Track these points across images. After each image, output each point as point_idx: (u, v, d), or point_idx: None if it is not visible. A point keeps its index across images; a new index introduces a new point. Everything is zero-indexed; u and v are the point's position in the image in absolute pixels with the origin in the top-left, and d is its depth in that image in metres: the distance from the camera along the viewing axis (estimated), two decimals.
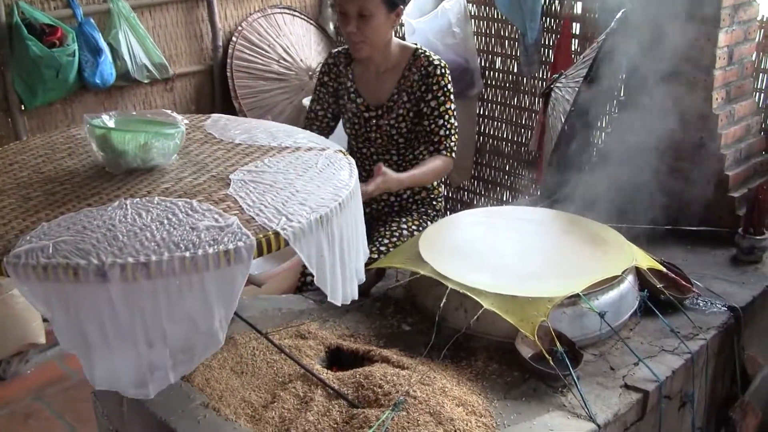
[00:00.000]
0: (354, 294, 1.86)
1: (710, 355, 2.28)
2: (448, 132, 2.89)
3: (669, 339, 2.21)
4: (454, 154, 2.91)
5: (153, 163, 1.90)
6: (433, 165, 2.85)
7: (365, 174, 2.93)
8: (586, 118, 3.13)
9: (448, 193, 4.97)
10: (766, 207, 2.69)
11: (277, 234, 1.56)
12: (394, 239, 2.95)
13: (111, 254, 1.44)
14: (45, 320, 3.87)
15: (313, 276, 2.83)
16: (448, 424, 1.78)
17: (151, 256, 1.44)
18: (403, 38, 4.15)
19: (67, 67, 3.62)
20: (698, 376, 2.22)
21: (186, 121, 2.05)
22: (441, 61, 2.92)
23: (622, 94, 3.25)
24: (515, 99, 4.39)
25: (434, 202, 3.18)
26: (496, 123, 4.55)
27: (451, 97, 2.92)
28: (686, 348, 2.17)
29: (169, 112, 2.07)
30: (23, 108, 3.73)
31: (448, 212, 4.73)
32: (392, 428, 1.75)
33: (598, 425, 1.86)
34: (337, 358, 2.18)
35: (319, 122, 3.11)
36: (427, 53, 2.94)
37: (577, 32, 3.92)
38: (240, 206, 1.67)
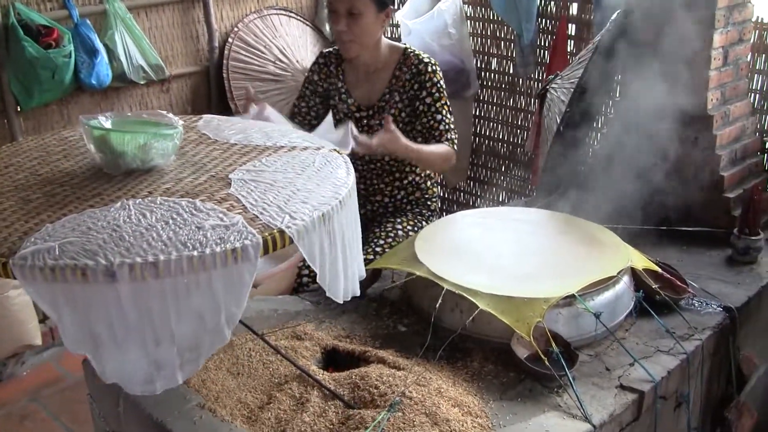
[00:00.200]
0: (355, 290, 1.89)
1: (706, 355, 2.28)
2: (447, 126, 2.91)
3: (664, 339, 2.22)
4: (455, 147, 2.92)
5: (152, 164, 1.91)
6: (439, 148, 2.87)
7: (357, 175, 2.93)
8: (581, 118, 3.13)
9: (443, 193, 4.97)
10: (761, 208, 2.70)
11: (282, 232, 1.58)
12: (390, 240, 2.95)
13: (119, 254, 1.45)
14: (41, 322, 3.88)
15: (309, 277, 2.88)
16: (444, 425, 1.78)
17: (159, 255, 1.45)
18: (398, 39, 4.15)
19: (63, 68, 3.61)
20: (694, 376, 2.23)
21: (181, 122, 2.06)
22: (431, 59, 2.93)
23: (617, 95, 3.25)
24: (511, 100, 4.40)
25: (429, 203, 3.19)
26: (491, 124, 4.56)
27: (445, 93, 2.93)
28: (682, 348, 2.18)
29: (164, 112, 2.07)
30: (19, 109, 3.72)
31: (444, 213, 4.72)
32: (388, 429, 1.76)
33: (594, 426, 1.86)
34: (333, 359, 2.18)
35: (301, 118, 3.11)
36: (417, 52, 2.95)
37: (573, 33, 3.92)
38: (243, 205, 1.68)
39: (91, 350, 1.50)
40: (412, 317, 2.38)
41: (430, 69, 2.89)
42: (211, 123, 2.31)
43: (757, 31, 3.13)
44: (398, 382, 1.91)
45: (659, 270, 2.40)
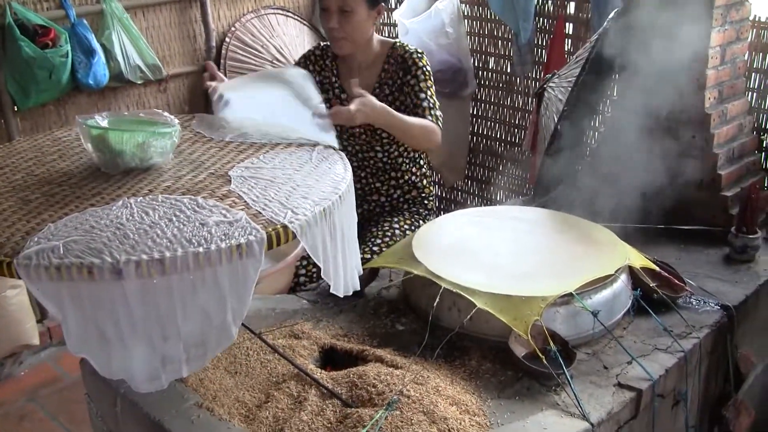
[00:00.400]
0: (355, 285, 1.92)
1: (703, 353, 2.28)
2: (430, 104, 2.85)
3: (662, 338, 2.22)
4: (440, 124, 2.84)
5: (150, 163, 1.92)
6: (421, 120, 2.79)
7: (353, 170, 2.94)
8: (579, 117, 3.13)
9: (441, 192, 4.98)
10: (759, 206, 2.70)
11: (285, 227, 1.59)
12: (387, 239, 2.95)
13: (124, 252, 1.45)
14: (39, 321, 3.88)
15: (306, 276, 2.88)
16: (442, 423, 1.78)
17: (164, 252, 1.46)
18: (396, 38, 4.15)
19: (60, 68, 3.61)
20: (691, 374, 2.23)
21: (176, 121, 2.07)
22: (418, 49, 2.93)
23: (614, 94, 3.25)
24: (508, 99, 4.40)
25: (426, 202, 3.19)
26: (489, 123, 4.56)
27: (431, 78, 2.90)
28: (679, 347, 2.18)
29: (161, 112, 2.08)
30: (16, 109, 3.72)
31: (442, 212, 4.71)
32: (386, 427, 1.75)
33: (592, 424, 1.86)
34: (331, 358, 2.18)
35: None
36: (404, 45, 2.94)
37: (570, 32, 3.92)
38: (245, 201, 1.71)
39: (96, 349, 1.51)
40: (409, 316, 2.37)
41: (415, 56, 2.89)
42: (204, 121, 2.33)
43: (754, 30, 3.14)
44: (396, 381, 1.91)
45: (657, 268, 2.40)
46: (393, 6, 4.68)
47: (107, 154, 1.89)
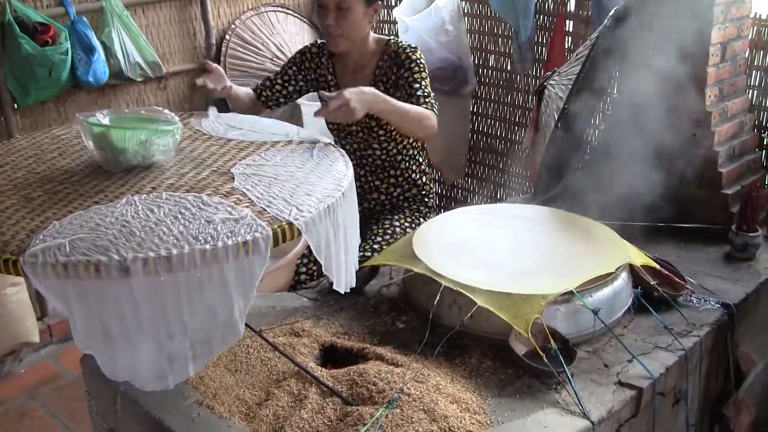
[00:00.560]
0: (353, 282, 1.92)
1: (704, 352, 2.28)
2: (425, 93, 2.83)
3: (663, 336, 2.22)
4: (435, 112, 2.81)
5: (152, 160, 1.92)
6: (416, 107, 2.76)
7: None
8: (579, 115, 3.13)
9: (441, 190, 4.97)
10: (759, 204, 2.70)
11: (290, 224, 1.60)
12: (387, 237, 2.95)
13: (131, 249, 1.46)
14: (39, 319, 3.88)
15: (307, 274, 2.88)
16: (442, 422, 1.78)
17: (171, 249, 1.46)
18: (396, 35, 4.14)
19: (59, 66, 3.60)
20: (692, 372, 2.23)
21: (177, 119, 2.07)
22: (411, 45, 2.92)
23: (615, 92, 3.25)
24: (509, 97, 4.40)
25: (426, 199, 3.18)
26: (489, 121, 4.56)
27: (425, 71, 2.88)
28: (680, 345, 2.18)
29: (161, 109, 2.08)
30: (16, 106, 3.72)
31: (442, 210, 4.72)
32: (386, 425, 1.75)
33: (592, 422, 1.86)
34: (331, 356, 2.18)
35: (270, 93, 3.06)
36: (399, 41, 2.93)
37: (571, 30, 3.92)
38: (249, 199, 1.71)
39: (102, 346, 1.51)
40: (410, 314, 2.37)
41: (409, 51, 2.87)
42: (203, 119, 2.35)
43: (755, 28, 3.13)
44: (396, 379, 1.91)
45: (657, 266, 2.40)
46: (393, 3, 4.68)
47: (109, 152, 1.89)
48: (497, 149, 4.57)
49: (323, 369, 2.04)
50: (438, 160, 4.73)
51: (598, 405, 1.93)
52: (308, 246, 2.93)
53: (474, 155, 4.71)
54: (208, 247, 1.47)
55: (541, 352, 1.97)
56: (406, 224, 3.05)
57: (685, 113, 2.80)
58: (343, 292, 1.90)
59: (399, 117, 2.69)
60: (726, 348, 2.41)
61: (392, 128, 2.93)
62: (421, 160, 3.16)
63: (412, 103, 2.80)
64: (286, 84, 3.03)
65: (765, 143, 3.21)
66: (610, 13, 3.00)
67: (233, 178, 1.84)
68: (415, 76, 2.84)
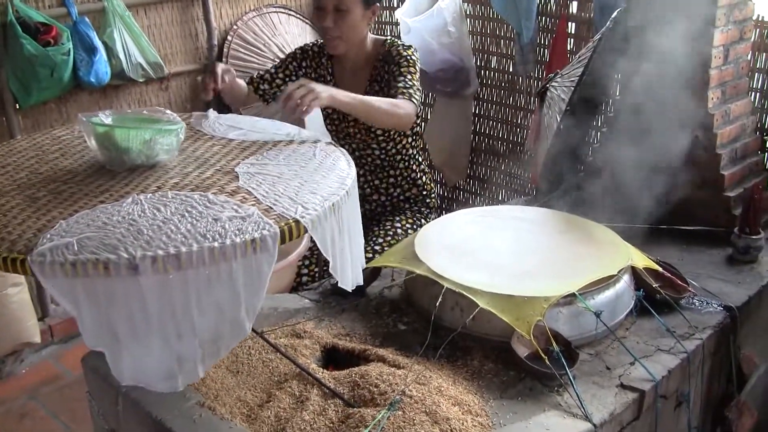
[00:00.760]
0: (359, 279, 1.94)
1: (706, 354, 2.27)
2: (406, 85, 2.75)
3: (665, 338, 2.21)
4: (413, 100, 2.71)
5: (156, 160, 1.92)
6: (385, 99, 2.70)
7: None
8: (581, 117, 3.13)
9: (443, 192, 4.97)
10: (762, 207, 2.70)
11: (297, 222, 1.61)
12: (389, 238, 2.95)
13: (140, 248, 1.46)
14: (40, 320, 3.88)
15: (308, 276, 2.88)
16: (444, 424, 1.77)
17: (180, 247, 1.47)
18: (398, 37, 4.14)
19: (61, 66, 3.60)
20: (694, 375, 2.22)
21: (179, 119, 2.07)
22: (406, 44, 2.89)
23: (617, 94, 3.25)
24: (511, 98, 4.39)
25: (427, 200, 3.18)
26: (491, 122, 4.55)
27: (414, 66, 2.83)
28: (682, 347, 2.17)
29: (163, 109, 2.09)
30: (17, 107, 3.72)
31: (444, 212, 4.72)
32: (388, 427, 1.75)
33: (594, 425, 1.86)
34: (333, 358, 2.18)
35: (268, 86, 3.01)
36: (395, 41, 2.92)
37: (573, 32, 3.91)
38: (255, 197, 1.72)
39: (110, 345, 1.51)
40: (412, 316, 2.37)
41: (401, 48, 2.86)
42: (203, 119, 2.36)
43: (757, 30, 3.13)
44: (398, 381, 1.91)
45: (660, 269, 2.39)
46: (395, 5, 4.67)
47: (113, 152, 1.89)
48: (499, 151, 4.56)
49: (325, 370, 2.04)
50: (439, 162, 4.73)
51: (600, 407, 1.92)
52: (310, 248, 2.95)
53: (476, 157, 4.71)
54: (216, 244, 1.48)
55: (543, 355, 1.97)
56: (408, 225, 3.05)
57: (688, 116, 2.79)
58: (349, 290, 1.92)
59: (364, 108, 2.59)
60: (728, 351, 2.41)
61: (391, 129, 2.92)
62: (420, 159, 3.15)
63: (391, 94, 2.76)
64: (287, 79, 3.00)
65: (767, 146, 3.21)
66: (613, 15, 3.00)
67: (237, 177, 1.85)
68: (402, 69, 2.81)
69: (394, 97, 2.72)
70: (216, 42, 4.45)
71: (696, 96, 2.81)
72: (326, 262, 2.87)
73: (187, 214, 1.60)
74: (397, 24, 4.49)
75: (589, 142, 3.51)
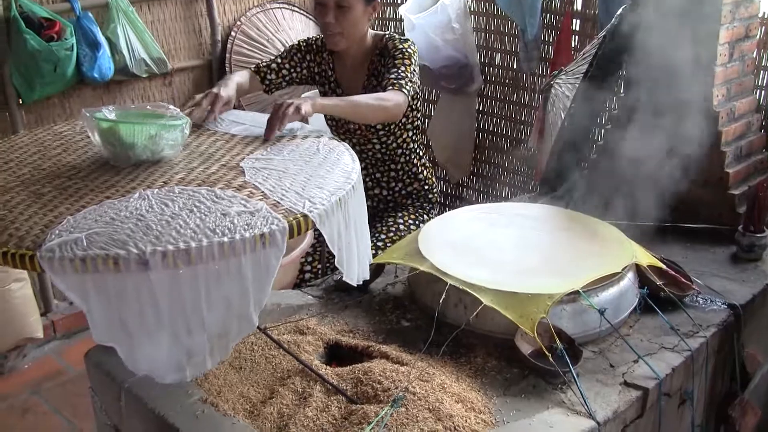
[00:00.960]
0: (366, 274, 1.94)
1: (710, 352, 2.27)
2: (398, 76, 2.72)
3: (669, 336, 2.21)
4: (404, 90, 2.67)
5: (161, 155, 1.92)
6: (370, 94, 2.69)
7: None
8: (585, 114, 3.12)
9: (447, 189, 4.97)
10: (766, 205, 2.69)
11: (305, 216, 1.61)
12: (391, 234, 2.95)
13: (149, 243, 1.45)
14: (42, 315, 3.88)
15: (311, 272, 2.87)
16: (447, 421, 1.77)
17: (190, 242, 1.46)
18: (402, 34, 4.14)
19: (65, 61, 3.60)
20: (698, 373, 2.22)
21: (183, 114, 2.07)
22: (403, 38, 2.88)
23: (621, 91, 3.24)
24: (515, 95, 4.39)
25: (429, 195, 3.17)
26: (495, 119, 4.55)
27: (410, 58, 2.80)
28: (686, 345, 2.17)
29: (167, 105, 2.08)
30: (21, 102, 3.72)
31: (447, 208, 4.72)
32: (391, 424, 1.75)
33: (598, 422, 1.85)
34: (336, 354, 2.18)
35: (273, 75, 2.94)
36: (394, 36, 2.90)
37: (577, 29, 3.91)
38: (262, 192, 1.72)
39: (121, 340, 1.51)
40: (415, 312, 2.37)
41: (398, 42, 2.84)
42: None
43: (763, 27, 3.12)
44: (401, 378, 1.90)
45: (664, 267, 2.39)
46: (399, 1, 4.67)
47: (118, 147, 1.88)
48: (503, 148, 4.56)
49: (328, 367, 2.04)
50: (443, 158, 4.72)
51: (604, 405, 1.92)
52: (313, 244, 2.95)
53: (479, 154, 4.70)
54: (226, 239, 1.48)
55: (546, 352, 1.97)
56: (410, 221, 3.05)
57: (692, 113, 2.79)
58: (354, 284, 1.91)
59: (351, 108, 2.57)
60: (732, 349, 2.40)
61: (389, 123, 2.91)
62: (421, 153, 3.15)
63: (383, 86, 2.75)
64: (291, 70, 2.97)
65: None
66: (618, 12, 2.99)
67: (243, 172, 1.85)
68: (396, 61, 2.79)
69: (385, 89, 2.70)
70: (219, 38, 4.44)
71: (701, 93, 2.80)
72: (329, 259, 2.90)
73: (195, 209, 1.60)
74: (400, 21, 4.48)
75: (593, 139, 3.51)
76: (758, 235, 2.68)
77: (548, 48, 4.09)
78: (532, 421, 1.85)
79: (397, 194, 3.14)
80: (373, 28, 2.99)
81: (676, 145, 2.72)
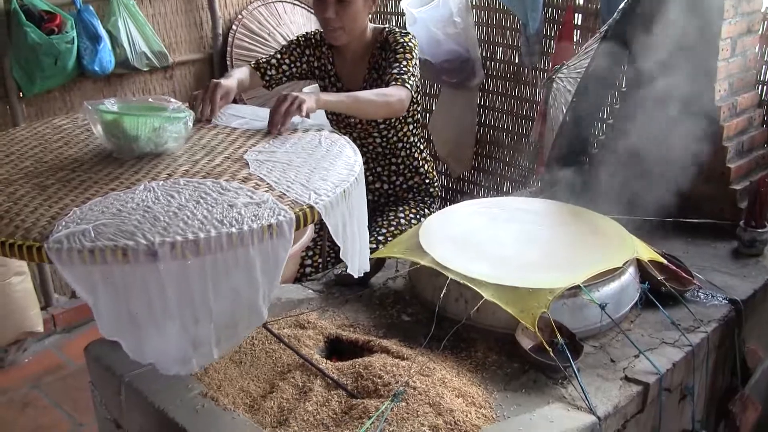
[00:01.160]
0: (366, 266, 1.95)
1: (711, 347, 2.27)
2: (400, 71, 2.71)
3: (670, 331, 2.20)
4: (407, 86, 2.67)
5: (164, 147, 1.92)
6: (372, 90, 2.68)
7: None
8: (587, 109, 3.12)
9: (448, 183, 4.96)
10: None
11: (311, 207, 1.62)
12: (392, 228, 2.95)
13: (158, 234, 1.45)
14: (43, 309, 3.88)
15: (312, 267, 2.87)
16: (448, 415, 1.77)
17: (198, 233, 1.46)
18: (404, 28, 4.13)
19: (65, 55, 3.59)
20: (699, 368, 2.21)
21: (185, 107, 2.07)
22: (405, 31, 2.87)
23: (623, 85, 3.23)
24: (516, 90, 4.38)
25: (430, 189, 3.17)
26: (496, 114, 4.54)
27: (411, 52, 2.79)
28: (687, 341, 2.17)
29: (168, 97, 2.08)
30: (21, 95, 3.71)
31: (448, 203, 4.72)
32: (391, 419, 1.75)
33: (599, 417, 1.85)
34: (337, 348, 2.18)
35: (274, 71, 2.92)
36: (394, 29, 2.89)
37: (579, 23, 3.90)
38: (268, 184, 1.73)
39: (127, 332, 1.51)
40: (416, 307, 2.37)
41: (398, 35, 2.82)
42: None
43: (766, 22, 3.11)
44: (402, 372, 1.90)
45: (665, 262, 2.38)
46: None
47: (122, 140, 1.88)
48: (504, 142, 4.55)
49: (328, 361, 2.04)
50: (444, 153, 4.72)
51: (605, 400, 1.92)
52: (313, 238, 2.94)
53: (481, 148, 4.70)
54: (234, 230, 1.48)
55: (547, 347, 1.96)
56: (411, 215, 3.04)
57: (694, 108, 2.78)
58: (356, 276, 1.92)
59: (354, 104, 2.55)
60: (733, 344, 2.40)
61: (386, 117, 2.90)
62: (422, 147, 3.14)
63: (385, 81, 2.74)
64: (291, 66, 2.96)
65: None
66: (619, 7, 2.98)
67: (247, 164, 1.85)
68: (397, 56, 2.77)
69: (387, 84, 2.70)
70: (221, 31, 4.44)
71: (703, 88, 2.79)
72: (330, 254, 2.89)
73: (201, 201, 1.60)
74: (402, 14, 4.47)
75: (594, 134, 3.50)
76: (759, 230, 2.67)
77: (550, 42, 4.08)
78: (532, 416, 1.85)
79: (398, 188, 3.14)
80: (374, 22, 2.98)
81: (677, 140, 2.71)
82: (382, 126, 2.95)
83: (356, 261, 1.88)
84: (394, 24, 4.76)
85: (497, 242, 2.39)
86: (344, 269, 1.90)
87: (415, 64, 2.77)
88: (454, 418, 1.77)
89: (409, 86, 2.67)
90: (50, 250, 1.42)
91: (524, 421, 1.83)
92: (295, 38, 3.02)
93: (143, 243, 1.42)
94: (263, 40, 4.52)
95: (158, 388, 1.94)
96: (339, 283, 2.52)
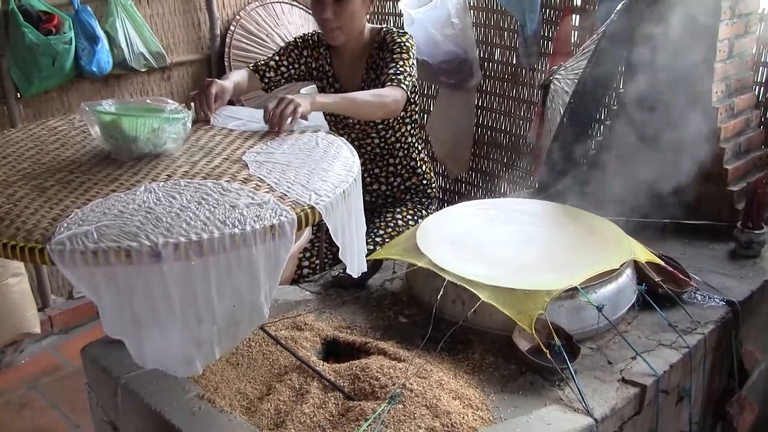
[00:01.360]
0: (363, 266, 1.96)
1: (708, 349, 2.27)
2: (396, 71, 2.71)
3: (667, 333, 2.20)
4: (402, 86, 2.67)
5: (163, 148, 1.92)
6: (369, 91, 2.69)
7: None
8: (585, 110, 3.12)
9: (445, 184, 4.96)
10: (765, 201, 2.68)
11: (312, 208, 1.63)
12: (390, 230, 2.94)
13: (161, 235, 1.46)
14: (40, 310, 3.87)
15: (309, 268, 2.87)
16: (445, 417, 1.77)
17: (202, 234, 1.47)
18: (401, 28, 4.13)
19: (63, 55, 3.59)
20: (696, 370, 2.21)
21: (183, 108, 2.07)
22: (402, 30, 2.87)
23: (621, 87, 3.23)
24: (514, 91, 4.38)
25: (428, 190, 3.17)
26: (494, 115, 4.54)
27: (408, 52, 2.79)
28: (684, 342, 2.17)
29: (166, 99, 2.08)
30: (19, 96, 3.71)
31: (446, 204, 4.72)
32: (388, 421, 1.74)
33: (596, 419, 1.85)
34: (334, 350, 2.18)
35: (272, 73, 2.93)
36: (391, 29, 2.89)
37: (577, 24, 3.89)
38: (268, 184, 1.74)
39: (131, 333, 1.51)
40: (413, 308, 2.36)
41: (395, 35, 2.82)
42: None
43: (762, 24, 3.11)
44: (399, 374, 1.90)
45: (662, 263, 2.38)
46: None
47: (120, 141, 1.88)
48: (502, 143, 4.55)
49: (325, 363, 2.04)
50: (442, 154, 4.71)
51: (602, 402, 1.92)
52: (311, 240, 2.94)
53: (478, 149, 4.70)
54: (237, 231, 1.49)
55: (544, 349, 1.96)
56: (408, 217, 3.04)
57: (691, 109, 2.78)
58: (355, 276, 1.93)
59: (350, 105, 2.55)
60: (730, 346, 2.40)
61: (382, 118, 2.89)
62: (420, 148, 3.14)
63: (381, 81, 2.74)
64: (290, 67, 2.97)
65: None
66: (617, 8, 2.98)
67: (246, 165, 1.86)
68: (394, 56, 2.77)
69: (383, 84, 2.70)
70: (219, 32, 4.44)
71: (700, 90, 2.79)
72: (327, 255, 2.89)
73: (203, 202, 1.61)
74: (400, 15, 4.47)
75: (592, 135, 3.50)
76: (757, 231, 2.67)
77: (548, 43, 4.08)
78: (529, 418, 1.85)
79: (396, 189, 3.14)
80: (372, 23, 2.98)
81: (675, 142, 2.71)
82: (380, 126, 2.95)
83: (355, 261, 1.89)
84: (391, 25, 4.76)
85: (494, 243, 2.39)
86: (341, 271, 1.90)
87: (412, 64, 2.77)
88: (451, 420, 1.76)
89: (404, 86, 2.67)
90: (53, 252, 1.42)
91: (521, 423, 1.83)
92: (293, 39, 3.02)
93: (147, 244, 1.42)
94: (261, 41, 4.52)
95: (154, 390, 1.94)
96: (336, 285, 2.51)
